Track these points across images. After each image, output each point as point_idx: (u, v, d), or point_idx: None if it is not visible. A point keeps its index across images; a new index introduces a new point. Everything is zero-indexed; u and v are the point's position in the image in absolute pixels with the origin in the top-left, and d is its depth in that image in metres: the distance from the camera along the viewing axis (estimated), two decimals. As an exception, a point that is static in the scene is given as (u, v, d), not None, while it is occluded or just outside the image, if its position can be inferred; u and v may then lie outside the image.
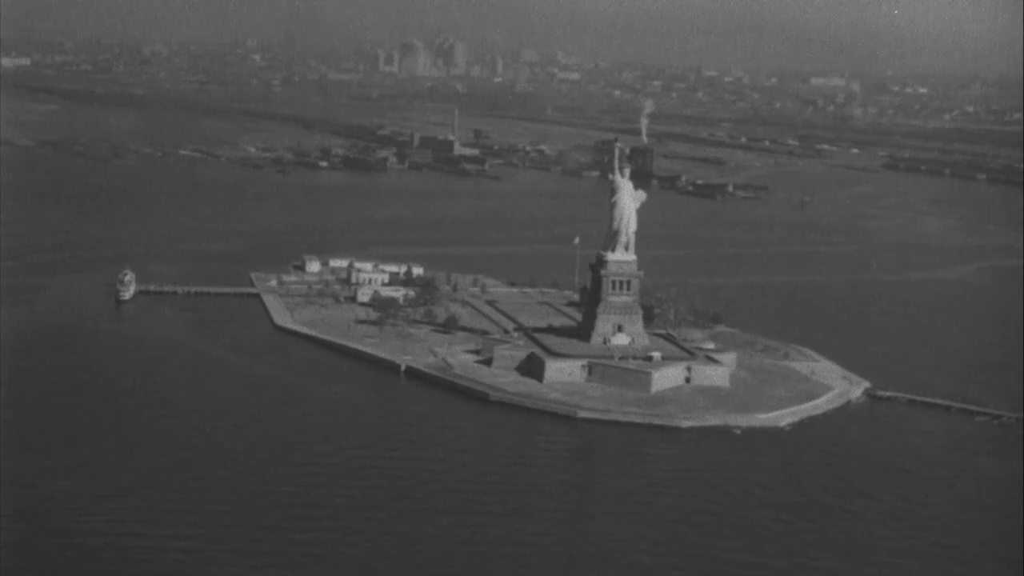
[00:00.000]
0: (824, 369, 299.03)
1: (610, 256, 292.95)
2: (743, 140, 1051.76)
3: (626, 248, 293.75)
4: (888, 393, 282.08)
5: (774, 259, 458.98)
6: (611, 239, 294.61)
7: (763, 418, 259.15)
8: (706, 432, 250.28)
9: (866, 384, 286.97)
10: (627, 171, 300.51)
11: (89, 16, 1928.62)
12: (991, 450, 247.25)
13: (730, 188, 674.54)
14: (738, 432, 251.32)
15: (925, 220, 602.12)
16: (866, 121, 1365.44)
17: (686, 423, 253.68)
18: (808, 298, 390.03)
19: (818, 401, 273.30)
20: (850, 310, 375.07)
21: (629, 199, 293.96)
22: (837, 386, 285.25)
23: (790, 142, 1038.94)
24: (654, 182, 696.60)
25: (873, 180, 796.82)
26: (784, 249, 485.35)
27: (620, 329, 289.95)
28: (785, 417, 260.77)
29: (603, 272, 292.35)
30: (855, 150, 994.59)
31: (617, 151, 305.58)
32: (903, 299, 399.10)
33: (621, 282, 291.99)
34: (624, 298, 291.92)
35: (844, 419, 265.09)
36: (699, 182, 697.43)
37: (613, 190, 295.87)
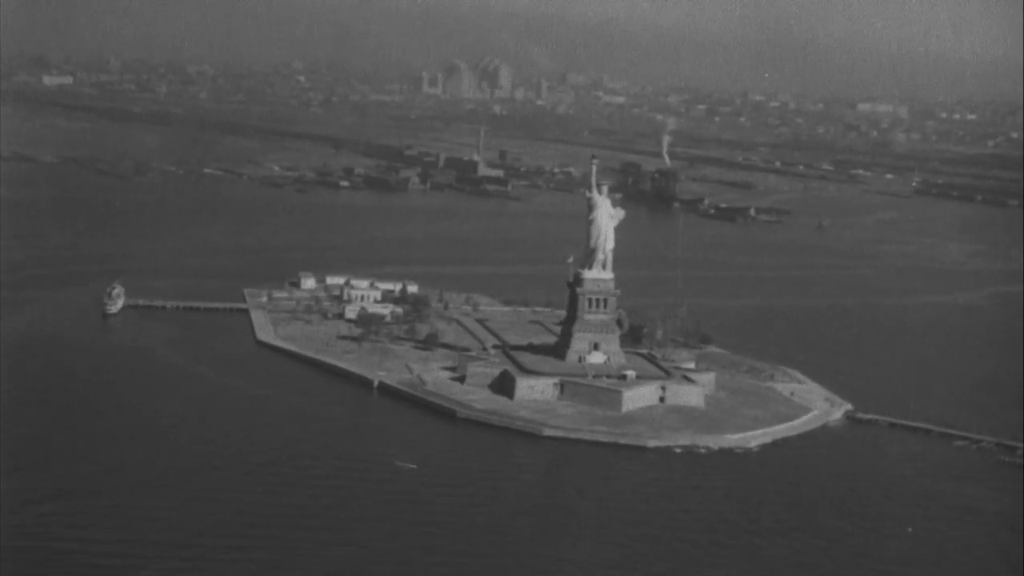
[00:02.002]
0: (807, 391, 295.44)
1: (587, 274, 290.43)
2: (777, 164, 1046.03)
3: (603, 266, 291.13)
4: (869, 416, 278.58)
5: (781, 282, 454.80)
6: (588, 257, 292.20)
7: (733, 439, 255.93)
8: (672, 452, 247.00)
9: (848, 407, 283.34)
10: (604, 188, 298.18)
11: (137, 36, 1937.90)
12: (961, 475, 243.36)
13: (752, 212, 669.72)
14: (703, 452, 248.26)
15: (946, 245, 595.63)
16: (908, 147, 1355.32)
17: (652, 443, 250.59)
18: (807, 321, 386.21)
19: (794, 423, 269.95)
20: (846, 334, 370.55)
21: (606, 217, 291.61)
22: (817, 408, 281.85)
23: (824, 167, 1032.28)
24: (676, 204, 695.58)
25: (902, 205, 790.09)
26: (793, 273, 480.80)
27: (596, 347, 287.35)
28: (755, 438, 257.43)
29: (579, 290, 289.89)
30: (889, 175, 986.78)
31: (594, 168, 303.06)
32: (904, 323, 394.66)
33: (598, 300, 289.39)
34: (601, 316, 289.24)
35: (818, 441, 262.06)
36: (722, 205, 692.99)
37: (590, 207, 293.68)
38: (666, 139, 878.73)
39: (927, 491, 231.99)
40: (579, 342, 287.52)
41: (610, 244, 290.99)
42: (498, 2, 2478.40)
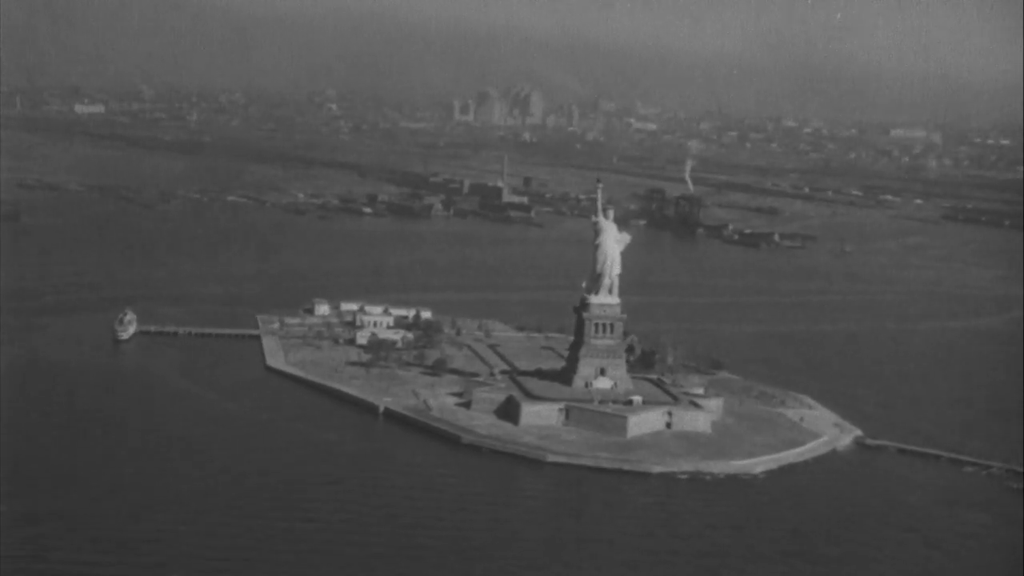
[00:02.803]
0: (817, 416, 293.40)
1: (593, 299, 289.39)
2: (806, 190, 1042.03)
3: (610, 291, 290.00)
4: (878, 442, 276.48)
5: (798, 307, 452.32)
6: (594, 282, 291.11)
7: (737, 465, 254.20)
8: (675, 478, 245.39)
9: (857, 432, 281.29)
10: (611, 213, 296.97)
11: (171, 65, 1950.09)
12: (965, 501, 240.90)
13: (776, 237, 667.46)
14: (708, 478, 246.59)
15: (971, 270, 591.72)
16: (939, 172, 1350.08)
17: (656, 469, 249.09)
18: (821, 346, 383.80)
19: (801, 449, 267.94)
20: (861, 359, 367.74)
21: (612, 241, 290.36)
22: (826, 434, 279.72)
23: (853, 192, 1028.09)
24: (700, 230, 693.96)
25: (929, 231, 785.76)
26: (812, 298, 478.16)
27: (603, 372, 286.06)
28: (761, 464, 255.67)
29: (585, 315, 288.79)
30: (918, 201, 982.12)
31: (599, 193, 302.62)
32: (921, 349, 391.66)
33: (604, 325, 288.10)
34: (607, 341, 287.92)
35: (824, 467, 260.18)
36: (746, 231, 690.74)
37: (596, 232, 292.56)
38: (689, 164, 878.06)
39: (928, 517, 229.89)
40: (586, 367, 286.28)
41: (616, 269, 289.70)
42: (531, 30, 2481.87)
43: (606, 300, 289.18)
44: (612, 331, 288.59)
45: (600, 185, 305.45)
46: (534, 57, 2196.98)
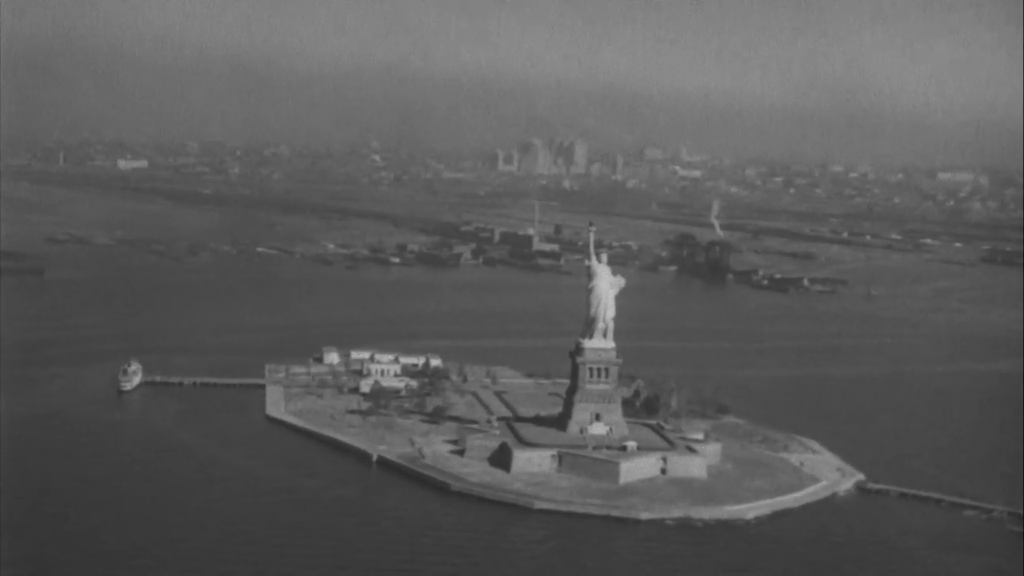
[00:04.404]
0: (820, 461, 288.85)
1: (587, 343, 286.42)
2: (844, 235, 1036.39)
3: (604, 335, 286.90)
4: (879, 486, 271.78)
5: (816, 351, 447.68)
6: (589, 326, 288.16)
7: (729, 510, 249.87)
8: (664, 525, 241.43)
9: (860, 476, 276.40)
10: (604, 256, 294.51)
11: (216, 121, 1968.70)
12: (961, 545, 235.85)
13: (805, 282, 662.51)
14: (698, 524, 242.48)
15: (1001, 312, 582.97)
16: (983, 215, 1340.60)
17: (645, 515, 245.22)
18: (835, 390, 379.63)
19: (798, 494, 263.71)
20: (872, 402, 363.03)
21: (607, 285, 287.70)
22: (826, 478, 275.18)
23: (893, 236, 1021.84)
24: (730, 276, 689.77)
25: (963, 273, 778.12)
26: (831, 342, 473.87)
27: (598, 418, 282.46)
28: (754, 510, 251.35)
29: (580, 360, 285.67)
30: (957, 244, 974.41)
31: (591, 235, 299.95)
32: (937, 392, 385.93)
33: (599, 370, 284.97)
34: (602, 386, 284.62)
35: (821, 512, 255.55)
36: (776, 276, 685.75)
37: (590, 276, 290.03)
38: (715, 208, 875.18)
39: (920, 561, 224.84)
40: (581, 412, 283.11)
41: (611, 312, 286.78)
42: (577, 80, 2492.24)
43: (600, 344, 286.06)
44: (607, 375, 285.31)
45: (592, 228, 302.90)
46: (579, 107, 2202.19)
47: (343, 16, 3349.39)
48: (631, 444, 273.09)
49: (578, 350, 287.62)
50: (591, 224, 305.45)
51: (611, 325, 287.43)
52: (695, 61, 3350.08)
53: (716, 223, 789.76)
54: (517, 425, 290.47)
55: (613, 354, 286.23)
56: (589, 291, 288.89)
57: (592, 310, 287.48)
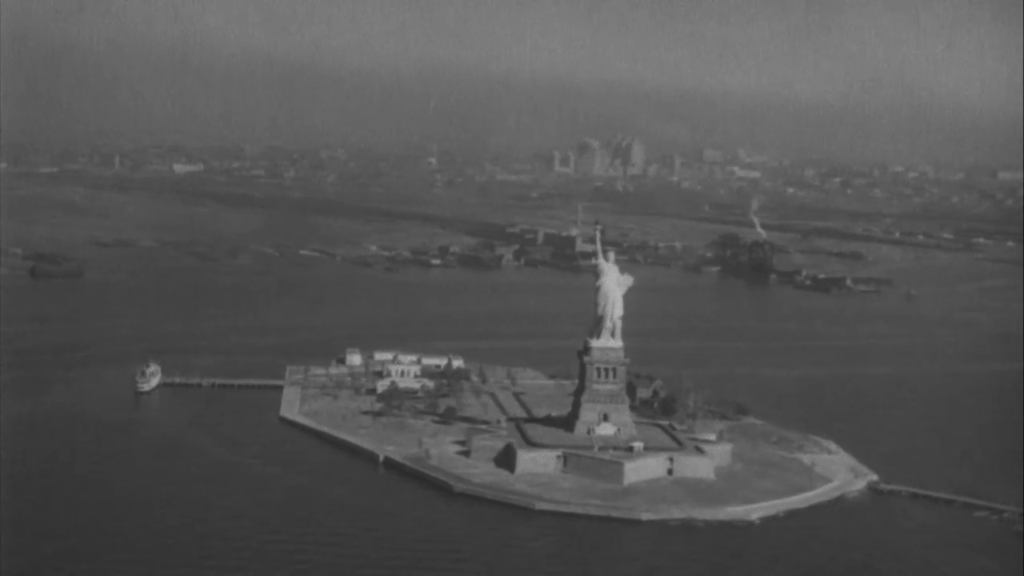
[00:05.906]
0: (833, 461, 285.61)
1: (594, 343, 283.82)
2: (896, 235, 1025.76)
3: (612, 334, 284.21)
4: (891, 486, 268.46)
5: (848, 351, 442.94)
6: (596, 325, 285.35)
7: (732, 511, 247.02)
8: (665, 525, 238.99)
9: (872, 477, 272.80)
10: (611, 255, 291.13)
11: (272, 125, 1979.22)
12: (968, 546, 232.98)
13: (848, 282, 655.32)
14: (701, 525, 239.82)
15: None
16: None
17: (646, 516, 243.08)
18: (859, 390, 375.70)
19: (807, 494, 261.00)
20: (895, 402, 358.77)
21: (614, 284, 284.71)
22: (837, 479, 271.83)
23: (945, 236, 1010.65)
24: (773, 276, 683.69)
25: (1012, 272, 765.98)
26: (864, 342, 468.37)
27: (606, 418, 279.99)
28: (759, 510, 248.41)
29: (587, 359, 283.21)
30: (1010, 243, 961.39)
31: (598, 234, 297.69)
32: (961, 391, 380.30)
33: (606, 370, 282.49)
34: (610, 386, 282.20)
35: (827, 513, 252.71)
36: (819, 276, 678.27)
37: (597, 275, 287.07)
38: (755, 204, 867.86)
39: (925, 563, 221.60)
40: (588, 413, 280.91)
41: (618, 312, 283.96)
42: (636, 83, 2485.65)
43: (608, 344, 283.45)
44: (615, 375, 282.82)
45: (599, 227, 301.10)
46: (638, 107, 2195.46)
47: (397, 18, 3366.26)
48: (638, 444, 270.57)
49: (585, 349, 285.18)
50: (597, 223, 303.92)
51: (619, 324, 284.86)
52: (759, 62, 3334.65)
53: (756, 220, 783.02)
54: (525, 426, 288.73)
55: (621, 353, 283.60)
56: (596, 290, 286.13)
57: (599, 309, 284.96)
